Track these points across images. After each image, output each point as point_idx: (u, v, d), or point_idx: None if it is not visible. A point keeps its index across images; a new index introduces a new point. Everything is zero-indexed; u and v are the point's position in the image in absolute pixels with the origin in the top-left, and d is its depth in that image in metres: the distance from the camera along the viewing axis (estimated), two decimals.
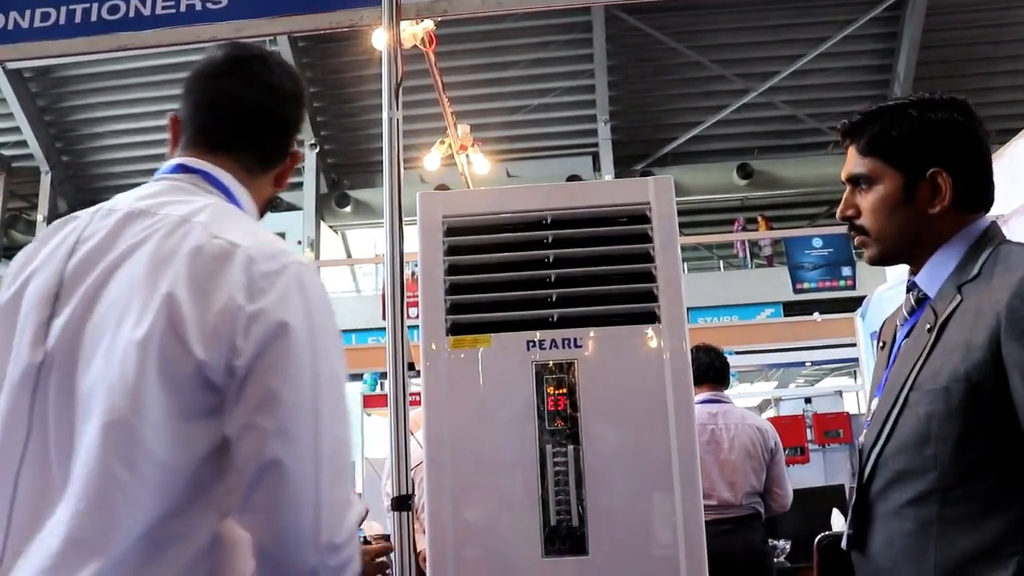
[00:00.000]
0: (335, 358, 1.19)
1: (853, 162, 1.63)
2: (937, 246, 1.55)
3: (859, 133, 1.62)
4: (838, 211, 1.66)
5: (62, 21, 3.05)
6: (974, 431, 1.39)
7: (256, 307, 1.12)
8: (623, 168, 18.93)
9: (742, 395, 15.72)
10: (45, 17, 3.07)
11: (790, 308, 15.63)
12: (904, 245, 1.59)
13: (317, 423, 1.14)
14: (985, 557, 1.36)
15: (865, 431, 1.60)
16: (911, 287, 1.61)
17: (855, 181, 1.63)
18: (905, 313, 1.62)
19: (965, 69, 17.01)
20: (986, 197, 1.59)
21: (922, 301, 1.58)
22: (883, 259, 1.62)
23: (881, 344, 1.71)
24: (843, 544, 1.62)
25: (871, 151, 1.59)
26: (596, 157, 19.53)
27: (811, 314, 11.43)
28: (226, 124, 1.38)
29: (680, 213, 2.33)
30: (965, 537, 1.37)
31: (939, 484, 1.41)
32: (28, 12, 3.07)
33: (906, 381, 1.49)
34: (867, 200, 1.60)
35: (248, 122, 1.39)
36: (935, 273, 1.55)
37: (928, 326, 1.49)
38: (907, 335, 1.58)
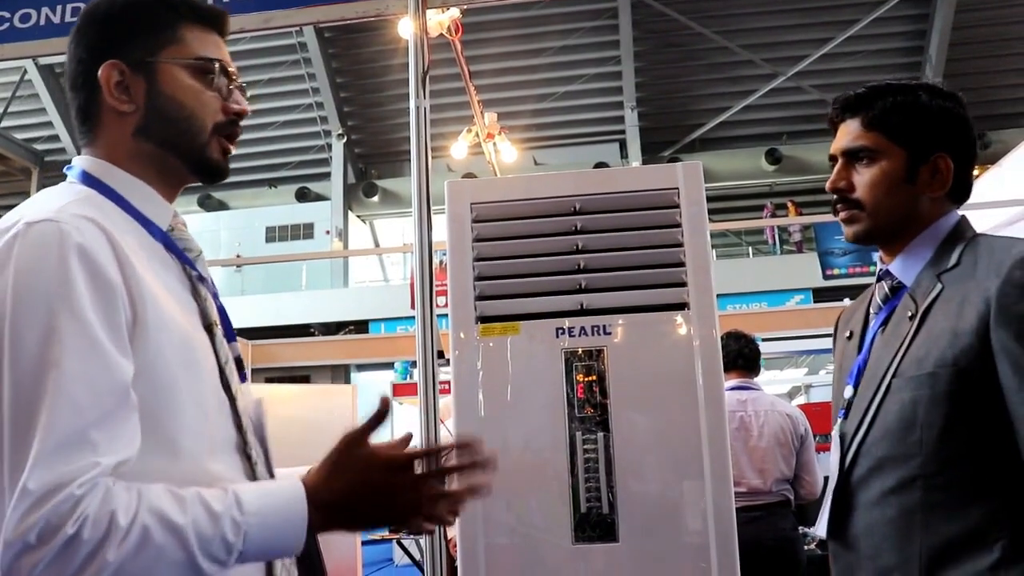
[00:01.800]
0: (35, 328, 1.04)
1: (853, 135, 1.60)
2: (920, 230, 1.56)
3: (866, 106, 1.60)
4: (829, 182, 1.63)
5: None
6: (960, 417, 1.39)
7: None
8: (650, 155, 18.86)
9: (772, 382, 15.61)
10: (75, 12, 3.10)
11: (820, 294, 15.50)
12: (894, 224, 1.58)
13: None
14: (971, 542, 1.36)
15: (841, 420, 1.59)
16: (883, 276, 1.62)
17: (853, 154, 1.60)
18: (879, 301, 1.62)
19: (999, 50, 16.74)
20: (969, 191, 1.61)
21: (896, 290, 1.58)
22: (869, 236, 1.60)
23: (848, 334, 1.70)
24: (821, 532, 1.61)
25: (877, 126, 1.58)
26: (623, 144, 19.47)
27: (841, 300, 11.31)
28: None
29: (709, 199, 2.32)
30: (950, 523, 1.38)
31: (923, 470, 1.41)
32: (59, 7, 3.11)
33: (888, 368, 1.49)
34: (866, 175, 1.58)
35: (70, 96, 1.32)
36: (910, 262, 1.56)
37: (909, 313, 1.50)
38: (883, 324, 1.58)
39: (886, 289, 1.61)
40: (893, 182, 1.56)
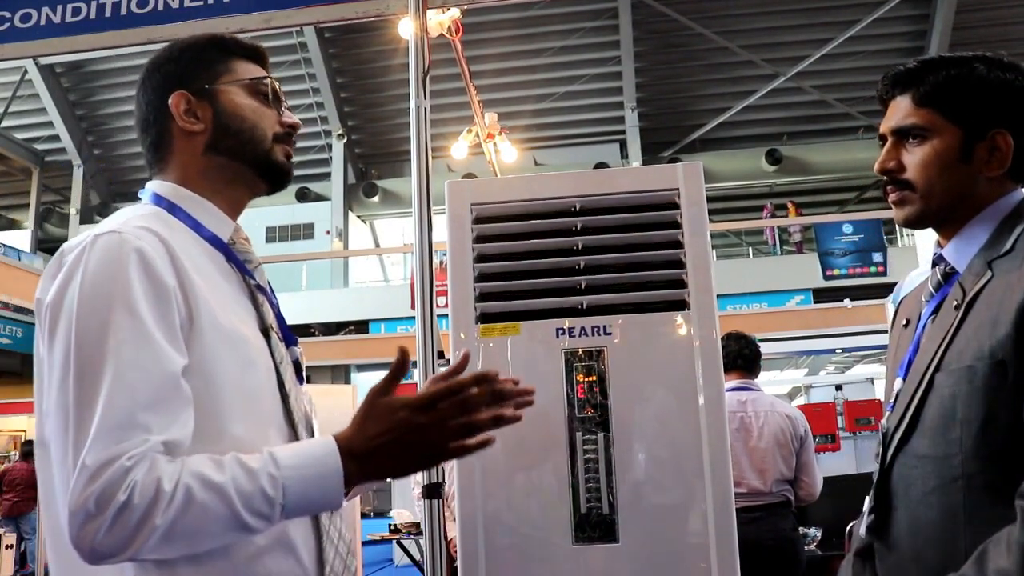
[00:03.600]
0: (100, 318, 1.17)
1: (904, 112, 1.50)
2: (976, 212, 1.46)
3: (916, 82, 1.50)
4: (877, 163, 1.53)
5: (92, 16, 3.08)
6: (998, 413, 1.29)
7: (42, 296, 1.25)
8: (651, 155, 18.88)
9: (772, 382, 15.60)
10: (76, 12, 3.10)
11: (820, 295, 15.52)
12: (948, 206, 1.48)
13: (63, 393, 1.16)
14: None
15: (888, 414, 1.52)
16: (937, 261, 1.52)
17: (904, 133, 1.50)
18: (931, 289, 1.52)
19: (1000, 50, 16.67)
20: None
21: (949, 276, 1.48)
22: (921, 219, 1.51)
23: (904, 322, 1.61)
24: (862, 532, 1.54)
25: (929, 102, 1.48)
26: (623, 144, 19.49)
27: (841, 300, 11.33)
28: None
29: (709, 200, 2.31)
30: (994, 526, 1.24)
31: (964, 469, 1.32)
32: (59, 7, 3.10)
33: (931, 362, 1.40)
34: (917, 154, 1.48)
35: (141, 138, 1.49)
36: (964, 247, 1.46)
37: (956, 303, 1.40)
38: (933, 312, 1.49)
39: (939, 275, 1.50)
40: (946, 161, 1.46)
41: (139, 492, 1.09)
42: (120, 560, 1.12)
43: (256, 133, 1.44)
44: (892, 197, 1.53)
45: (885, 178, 1.55)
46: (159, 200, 1.40)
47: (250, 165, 1.45)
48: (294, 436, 1.34)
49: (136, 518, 1.09)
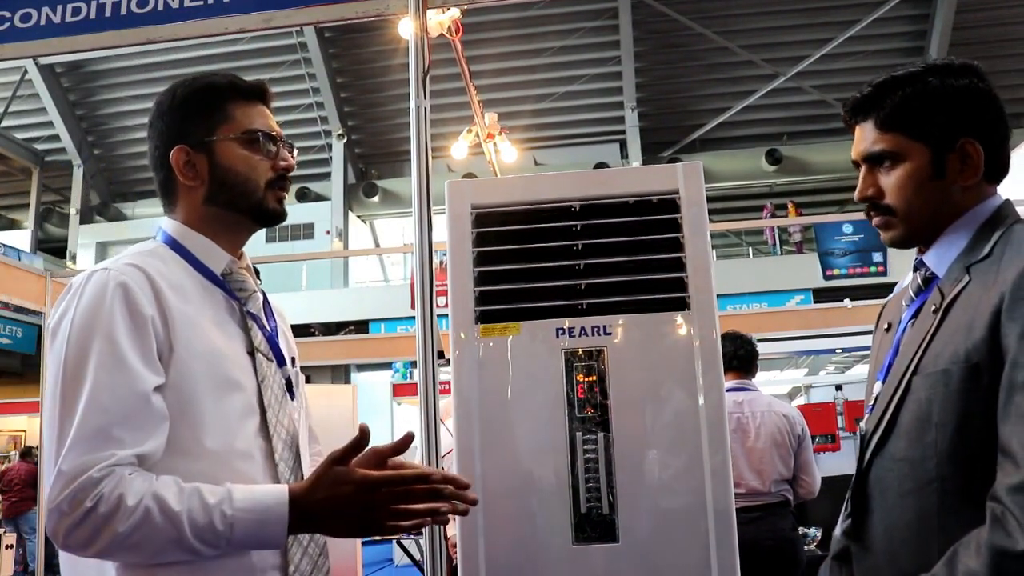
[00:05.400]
0: (84, 344, 1.35)
1: (870, 139, 1.51)
2: (955, 218, 1.47)
3: (875, 107, 1.51)
4: (856, 192, 1.54)
5: (92, 15, 3.07)
6: (973, 417, 1.30)
7: (50, 322, 1.45)
8: (651, 155, 18.87)
9: (771, 382, 15.60)
10: (76, 12, 3.10)
11: (820, 295, 15.50)
12: (932, 223, 1.49)
13: (52, 407, 1.35)
14: None
15: (867, 417, 1.53)
16: (918, 266, 1.53)
17: (875, 160, 1.51)
18: (911, 293, 1.53)
19: (999, 50, 16.74)
20: (1007, 167, 1.50)
21: (929, 281, 1.50)
22: (909, 240, 1.52)
23: (886, 326, 1.63)
24: (837, 532, 1.56)
25: (892, 126, 1.48)
26: (623, 144, 19.48)
27: (841, 300, 11.31)
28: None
29: (709, 200, 2.31)
30: (966, 528, 1.26)
31: (938, 472, 1.34)
32: (59, 7, 3.10)
33: (909, 365, 1.42)
34: (892, 179, 1.49)
35: (154, 174, 1.62)
36: (944, 252, 1.47)
37: (934, 307, 1.41)
38: (913, 316, 1.50)
39: (919, 280, 1.52)
40: (919, 181, 1.47)
41: (103, 502, 1.27)
42: (87, 555, 1.31)
43: (248, 186, 1.56)
44: (876, 222, 1.55)
45: (867, 204, 1.56)
46: (165, 236, 1.57)
47: (244, 214, 1.58)
48: (269, 447, 1.48)
49: (98, 524, 1.27)
